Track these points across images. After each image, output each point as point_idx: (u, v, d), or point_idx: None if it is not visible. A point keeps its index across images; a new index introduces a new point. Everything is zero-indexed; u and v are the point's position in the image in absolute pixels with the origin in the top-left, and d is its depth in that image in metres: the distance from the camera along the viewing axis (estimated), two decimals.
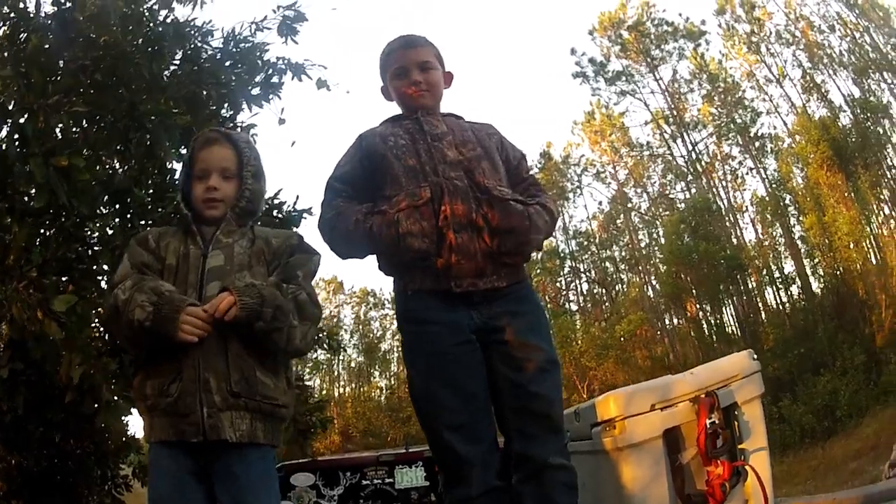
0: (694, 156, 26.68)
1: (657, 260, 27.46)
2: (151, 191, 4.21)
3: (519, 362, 1.73)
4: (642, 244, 29.90)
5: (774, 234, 25.31)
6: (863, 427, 15.35)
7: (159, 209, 3.95)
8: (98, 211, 3.87)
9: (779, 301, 24.18)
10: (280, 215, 4.78)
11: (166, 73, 4.41)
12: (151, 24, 4.35)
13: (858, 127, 21.32)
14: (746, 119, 25.62)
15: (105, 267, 3.68)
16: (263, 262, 1.71)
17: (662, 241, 26.82)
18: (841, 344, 18.44)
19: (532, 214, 1.78)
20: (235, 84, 4.68)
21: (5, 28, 3.73)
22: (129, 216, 4.05)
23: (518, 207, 1.77)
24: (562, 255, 30.49)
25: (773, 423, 16.35)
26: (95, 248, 3.94)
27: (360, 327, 36.84)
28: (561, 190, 29.93)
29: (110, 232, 4.02)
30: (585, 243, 31.41)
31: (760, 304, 24.41)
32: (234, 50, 4.77)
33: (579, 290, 32.04)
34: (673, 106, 27.23)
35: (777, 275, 24.25)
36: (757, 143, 25.67)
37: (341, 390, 35.73)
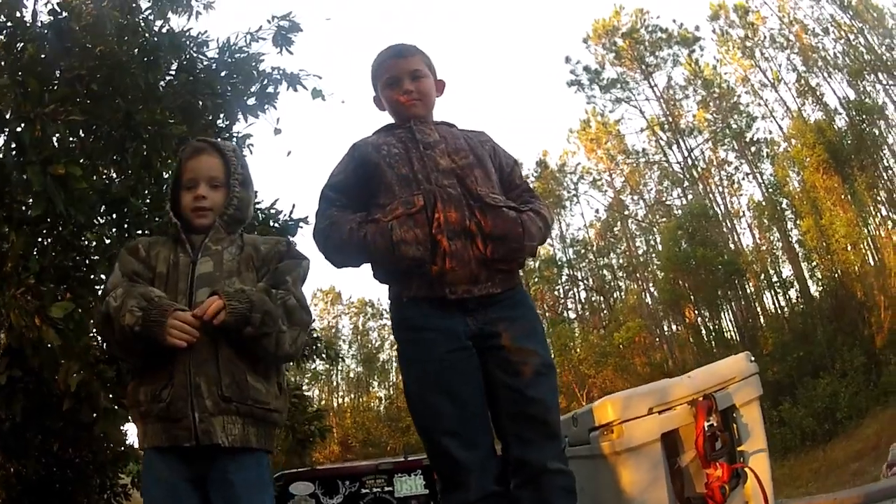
0: (690, 162, 26.82)
1: (655, 266, 27.52)
2: (148, 200, 4.23)
3: (515, 367, 1.73)
4: (640, 251, 29.99)
5: (772, 238, 25.42)
6: (863, 428, 15.36)
7: (156, 218, 3.96)
8: (95, 220, 3.88)
9: (777, 305, 24.25)
10: (276, 225, 4.80)
11: (162, 83, 4.44)
12: (147, 35, 4.39)
13: (854, 129, 21.41)
14: (742, 124, 25.76)
15: (102, 276, 3.69)
16: (252, 268, 1.72)
17: (660, 247, 26.89)
18: (840, 346, 18.46)
19: (525, 221, 1.79)
20: (231, 94, 4.71)
21: (2, 37, 3.75)
22: (125, 225, 4.07)
23: (511, 214, 1.78)
24: (559, 263, 30.54)
25: (773, 426, 16.36)
26: (93, 257, 3.95)
27: (359, 337, 36.84)
28: (557, 198, 30.02)
29: (107, 240, 4.04)
30: (583, 251, 31.47)
31: (759, 309, 24.46)
32: (230, 60, 4.80)
33: (577, 298, 32.11)
34: (668, 112, 27.36)
35: (775, 279, 24.31)
36: (753, 148, 25.80)
37: (340, 400, 35.68)
